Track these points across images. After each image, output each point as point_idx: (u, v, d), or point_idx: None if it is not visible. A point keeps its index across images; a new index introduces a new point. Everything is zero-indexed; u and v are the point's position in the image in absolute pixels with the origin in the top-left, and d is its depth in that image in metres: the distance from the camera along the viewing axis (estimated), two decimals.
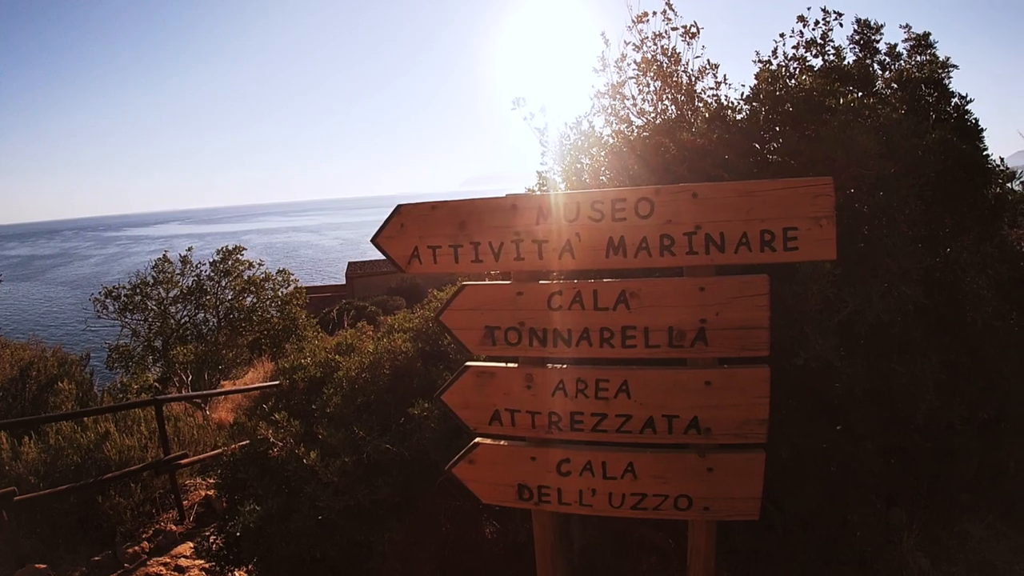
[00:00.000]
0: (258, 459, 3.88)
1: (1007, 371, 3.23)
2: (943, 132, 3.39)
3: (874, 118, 3.22)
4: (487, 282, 2.46)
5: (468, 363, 2.43)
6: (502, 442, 2.45)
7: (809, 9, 3.89)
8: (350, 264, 47.95)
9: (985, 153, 3.66)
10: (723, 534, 2.47)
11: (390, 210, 2.40)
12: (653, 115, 3.85)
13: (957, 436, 3.22)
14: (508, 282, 2.33)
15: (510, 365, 2.38)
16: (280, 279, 18.63)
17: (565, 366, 2.32)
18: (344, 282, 47.01)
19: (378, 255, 2.48)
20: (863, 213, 3.12)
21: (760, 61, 3.96)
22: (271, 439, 3.70)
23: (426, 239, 2.35)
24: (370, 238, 2.39)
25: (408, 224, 2.37)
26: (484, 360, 2.45)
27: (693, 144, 3.25)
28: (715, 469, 2.23)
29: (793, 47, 3.93)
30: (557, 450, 2.36)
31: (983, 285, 3.27)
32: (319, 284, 50.90)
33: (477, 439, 2.48)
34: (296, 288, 18.75)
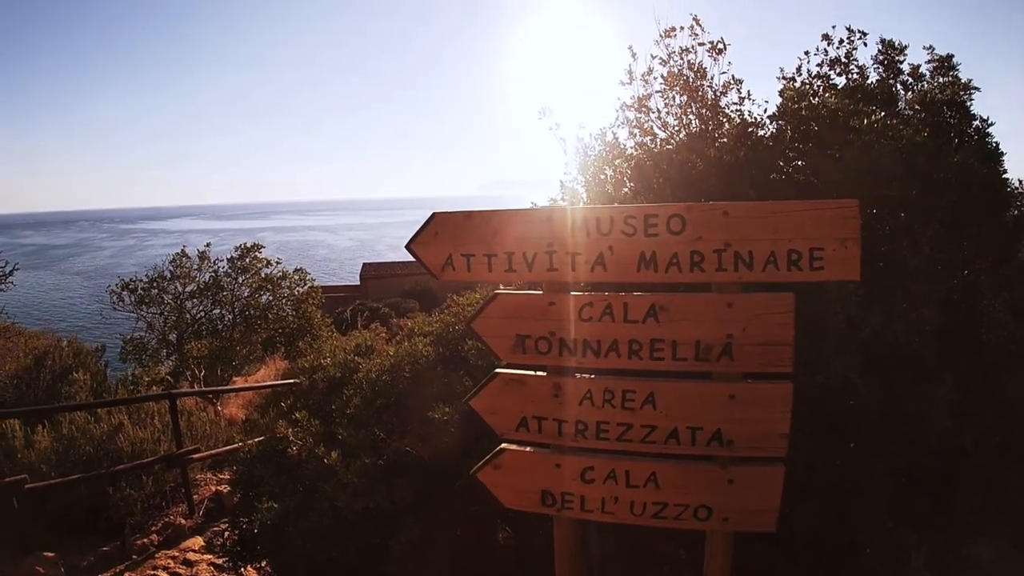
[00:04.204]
0: (275, 457, 3.90)
1: (1020, 395, 3.25)
2: (965, 156, 3.42)
3: (897, 139, 3.26)
4: (519, 291, 2.50)
5: (498, 370, 2.48)
6: (528, 448, 2.49)
7: (834, 27, 3.94)
8: (365, 265, 47.54)
9: (1004, 177, 3.69)
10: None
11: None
12: (677, 128, 3.90)
13: (967, 459, 3.23)
14: (540, 292, 2.37)
15: (539, 373, 2.42)
16: (296, 278, 18.54)
17: (593, 376, 2.36)
18: (358, 283, 46.80)
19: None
20: (885, 234, 3.15)
21: (784, 78, 4.00)
22: (290, 437, 3.74)
23: (460, 247, 2.40)
24: (405, 244, 2.44)
25: (442, 232, 2.42)
26: (512, 367, 2.50)
27: (720, 161, 3.30)
28: (735, 481, 2.27)
29: (817, 65, 3.97)
30: (582, 458, 2.40)
31: (999, 308, 3.30)
32: (333, 284, 50.78)
33: (503, 444, 2.52)
34: (312, 287, 18.65)
